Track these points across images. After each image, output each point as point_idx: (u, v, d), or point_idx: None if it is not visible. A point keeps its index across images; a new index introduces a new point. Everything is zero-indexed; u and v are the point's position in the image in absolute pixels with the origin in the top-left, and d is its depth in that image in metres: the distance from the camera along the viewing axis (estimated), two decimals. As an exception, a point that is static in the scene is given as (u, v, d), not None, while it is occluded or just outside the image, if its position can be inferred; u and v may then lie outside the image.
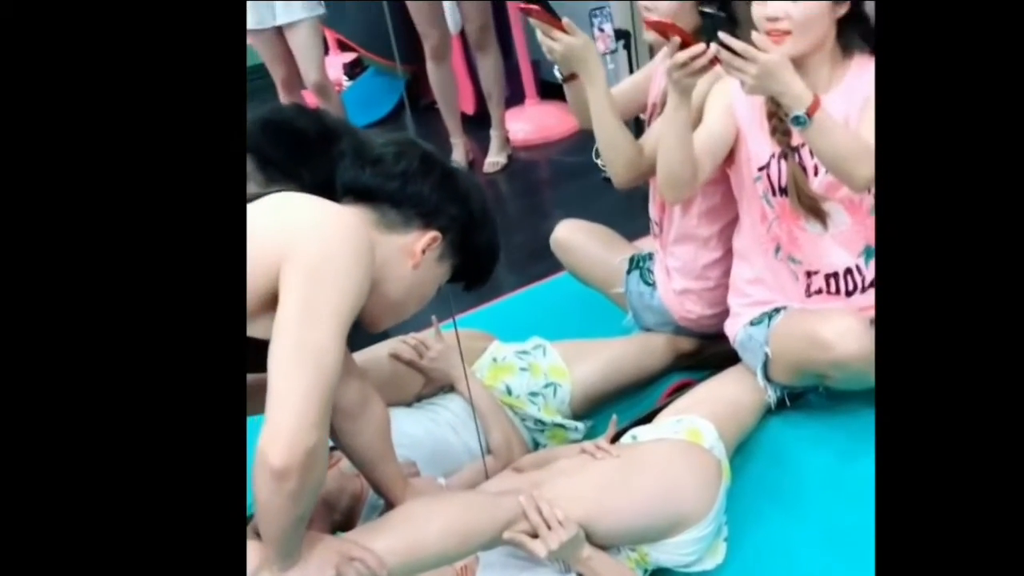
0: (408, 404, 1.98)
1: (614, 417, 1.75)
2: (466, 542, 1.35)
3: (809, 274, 1.83)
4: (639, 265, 2.18)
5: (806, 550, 1.67)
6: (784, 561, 1.66)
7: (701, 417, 1.74)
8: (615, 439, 1.74)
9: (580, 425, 2.00)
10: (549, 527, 1.41)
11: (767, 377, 1.88)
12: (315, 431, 1.11)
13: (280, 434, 1.10)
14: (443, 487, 1.75)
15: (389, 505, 1.69)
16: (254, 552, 1.23)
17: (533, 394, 1.99)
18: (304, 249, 1.15)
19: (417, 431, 1.85)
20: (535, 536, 1.42)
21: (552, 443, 1.98)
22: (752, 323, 1.90)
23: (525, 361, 2.04)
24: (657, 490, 1.50)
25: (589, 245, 2.27)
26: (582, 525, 1.44)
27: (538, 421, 1.96)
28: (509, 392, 1.97)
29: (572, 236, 2.29)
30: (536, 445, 1.97)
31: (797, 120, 1.54)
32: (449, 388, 1.99)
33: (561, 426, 1.98)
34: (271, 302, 1.15)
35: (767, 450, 1.90)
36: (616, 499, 1.48)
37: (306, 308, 1.13)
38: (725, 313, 2.02)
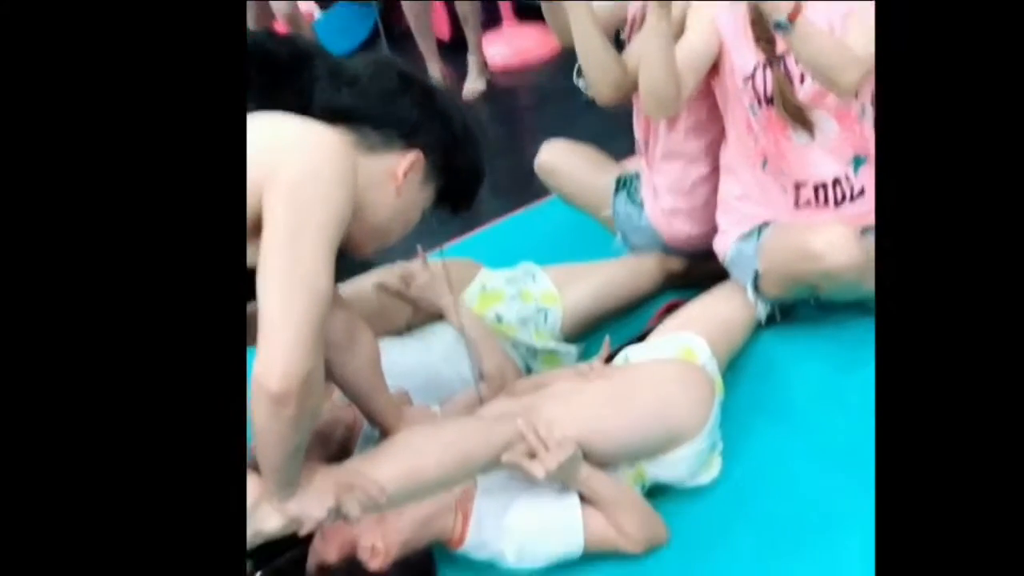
0: (398, 335, 1.97)
1: (607, 338, 1.74)
2: (465, 467, 1.35)
3: (797, 186, 1.81)
4: (626, 186, 2.15)
5: (801, 462, 1.67)
6: (779, 473, 1.67)
7: (693, 335, 1.73)
8: (608, 360, 1.73)
9: (572, 349, 1.99)
10: (547, 448, 1.40)
11: (757, 292, 1.86)
12: (311, 355, 1.10)
13: (276, 360, 1.08)
14: (437, 415, 1.74)
15: (384, 435, 1.69)
16: (253, 485, 1.22)
17: (524, 320, 1.98)
18: (285, 170, 1.11)
19: (408, 361, 1.83)
20: (533, 458, 1.41)
21: (545, 368, 1.97)
22: (741, 238, 1.88)
23: (515, 288, 2.02)
24: (652, 408, 1.50)
25: (574, 167, 2.23)
26: (579, 445, 1.44)
27: (530, 347, 1.95)
28: (499, 320, 1.96)
29: (557, 158, 2.25)
30: (529, 371, 1.97)
31: (778, 25, 1.51)
32: (438, 317, 1.97)
33: (553, 351, 1.97)
34: (255, 227, 1.13)
35: (759, 365, 1.90)
36: (612, 418, 1.48)
37: (292, 231, 1.10)
38: (714, 231, 1.99)
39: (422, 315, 2.00)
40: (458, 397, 1.86)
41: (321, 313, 1.11)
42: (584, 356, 2.00)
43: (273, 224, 1.10)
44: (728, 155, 1.90)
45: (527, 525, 1.47)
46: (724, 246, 1.94)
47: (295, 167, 1.12)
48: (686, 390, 1.55)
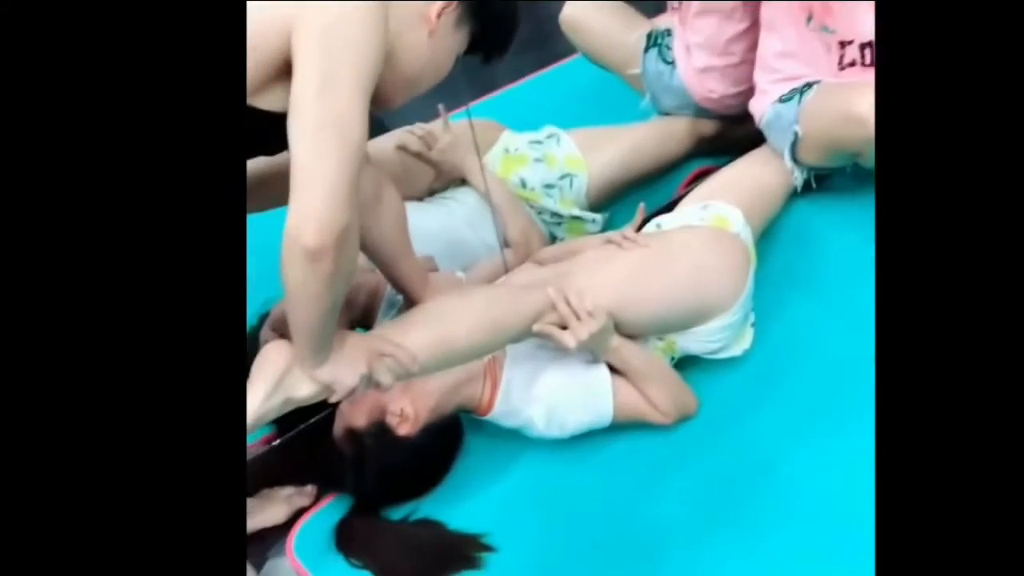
0: (419, 199, 1.91)
1: (641, 205, 1.67)
2: (496, 335, 1.31)
3: (843, 44, 1.69)
4: (657, 42, 2.03)
5: (833, 333, 1.64)
6: (811, 344, 1.64)
7: (727, 203, 1.66)
8: (639, 228, 1.67)
9: (598, 217, 1.93)
10: (578, 318, 1.36)
11: (795, 158, 1.78)
12: (347, 206, 1.04)
13: (312, 212, 1.02)
14: (463, 281, 1.70)
15: (408, 302, 1.65)
16: (281, 352, 1.19)
17: (548, 186, 1.91)
18: (316, 11, 1.03)
19: (431, 225, 1.78)
20: (564, 328, 1.38)
21: (570, 236, 1.92)
22: (781, 100, 1.78)
23: (539, 151, 1.94)
24: (686, 278, 1.45)
25: (601, 22, 2.10)
26: (611, 315, 1.40)
27: (554, 214, 1.89)
28: (523, 185, 1.89)
29: (582, 13, 2.12)
30: (553, 239, 1.91)
31: None
32: (460, 181, 1.91)
33: (578, 218, 1.91)
34: (284, 70, 1.06)
35: (793, 233, 1.84)
36: (645, 288, 1.43)
37: (324, 76, 1.02)
38: (750, 92, 1.89)
39: (444, 179, 1.93)
40: (482, 263, 1.81)
41: (357, 163, 1.05)
42: (610, 224, 1.95)
43: (304, 69, 1.03)
44: (769, 9, 1.78)
45: (556, 393, 1.45)
46: (761, 107, 1.84)
47: (326, 8, 1.03)
48: (721, 260, 1.49)
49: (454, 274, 1.71)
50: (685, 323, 1.49)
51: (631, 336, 1.47)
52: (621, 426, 1.49)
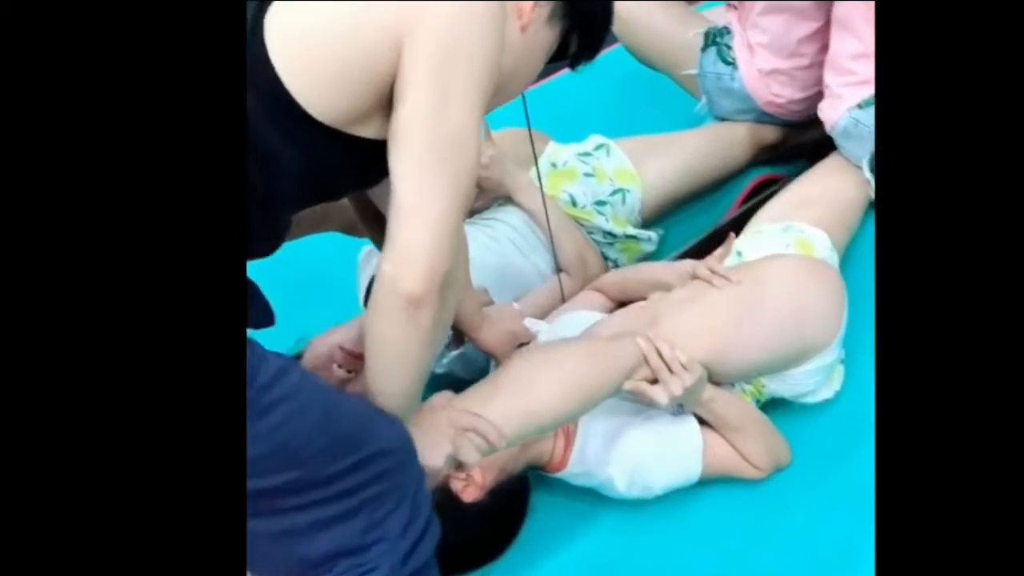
0: (460, 221, 1.74)
1: (731, 235, 1.51)
2: (587, 399, 1.16)
3: (931, 45, 1.54)
4: (716, 41, 1.86)
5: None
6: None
7: (808, 224, 1.50)
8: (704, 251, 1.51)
9: (653, 235, 1.77)
10: (671, 371, 1.21)
11: (875, 169, 1.63)
12: (455, 240, 0.90)
13: (416, 253, 0.87)
14: (520, 316, 1.54)
15: (459, 339, 1.50)
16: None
17: (600, 203, 1.74)
18: (433, 13, 0.86)
19: (477, 249, 1.61)
20: (654, 381, 1.22)
21: (624, 257, 1.76)
22: (859, 106, 1.62)
23: (588, 165, 1.78)
24: (786, 320, 1.29)
25: (653, 16, 1.92)
26: (704, 364, 1.25)
27: (607, 233, 1.73)
28: (573, 203, 1.73)
29: (634, 6, 1.94)
30: (605, 260, 1.75)
31: None
32: (504, 200, 1.74)
33: (633, 237, 1.75)
34: (388, 94, 0.90)
35: (871, 252, 1.68)
36: (742, 334, 1.27)
37: (440, 92, 0.87)
38: (818, 96, 1.74)
39: (487, 197, 1.76)
40: (537, 292, 1.65)
41: (468, 194, 0.91)
42: (665, 242, 1.79)
43: (416, 85, 0.87)
44: (843, 7, 1.62)
45: (641, 453, 1.29)
46: (834, 114, 1.68)
47: (443, 9, 0.87)
48: (820, 296, 1.33)
49: (512, 307, 1.55)
50: (781, 367, 1.33)
51: (718, 383, 1.31)
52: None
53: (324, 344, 1.49)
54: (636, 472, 1.29)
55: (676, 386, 1.20)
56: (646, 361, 1.20)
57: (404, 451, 0.94)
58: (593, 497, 1.36)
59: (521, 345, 1.50)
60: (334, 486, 0.86)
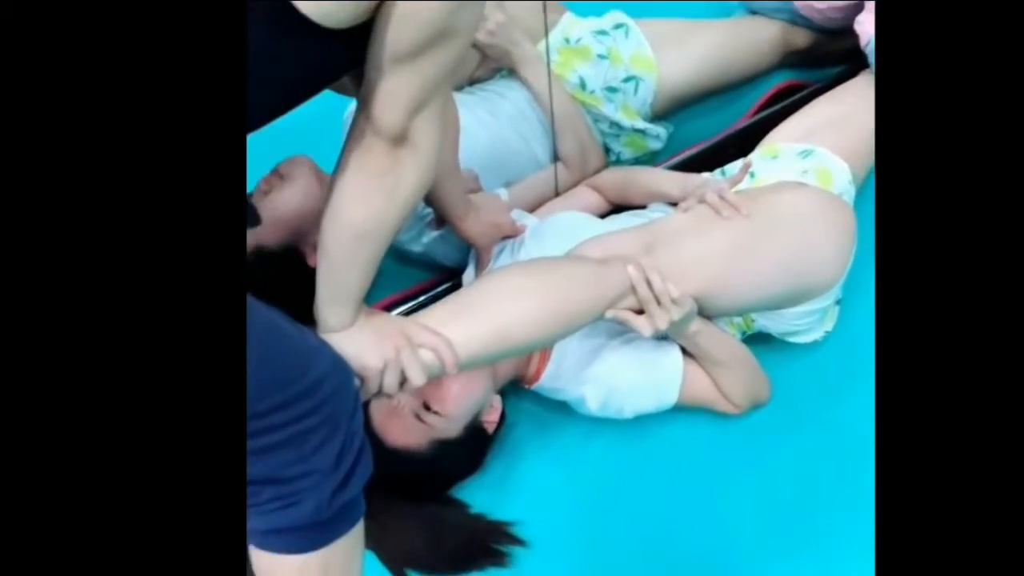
0: (458, 89, 1.61)
1: (749, 160, 1.39)
2: (565, 326, 1.07)
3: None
4: (763, -72, 1.69)
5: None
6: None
7: (832, 152, 1.39)
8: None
9: (662, 132, 1.65)
10: (659, 304, 1.13)
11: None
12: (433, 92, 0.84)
13: (397, 97, 0.82)
14: (506, 207, 1.44)
15: (439, 220, 1.40)
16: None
17: (611, 89, 1.61)
18: None
19: (472, 124, 1.49)
20: (640, 311, 1.14)
21: (628, 151, 1.65)
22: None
23: (604, 45, 1.63)
24: (791, 260, 1.20)
25: None
26: (697, 299, 1.16)
27: (614, 124, 1.61)
28: (583, 86, 1.59)
29: None
30: (606, 152, 1.64)
31: None
32: (508, 72, 1.61)
33: (641, 132, 1.63)
34: None
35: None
36: (742, 272, 1.18)
37: None
38: (857, 7, 1.59)
39: (487, 66, 1.63)
40: (529, 182, 1.54)
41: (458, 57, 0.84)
42: (672, 140, 1.68)
43: None
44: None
45: (618, 376, 1.23)
46: (872, 28, 1.55)
47: None
48: (831, 236, 1.24)
49: (498, 197, 1.45)
50: (777, 306, 1.26)
51: (711, 316, 1.24)
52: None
53: None
54: (610, 394, 1.23)
55: (662, 320, 1.13)
56: (634, 291, 1.12)
57: (338, 375, 0.87)
58: (560, 409, 1.31)
59: (506, 238, 1.42)
60: (262, 421, 0.79)
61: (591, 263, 1.12)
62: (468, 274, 1.44)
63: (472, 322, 1.01)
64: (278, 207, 1.35)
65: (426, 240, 1.49)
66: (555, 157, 1.57)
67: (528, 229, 1.41)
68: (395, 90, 0.82)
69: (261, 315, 0.83)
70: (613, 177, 1.49)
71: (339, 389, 0.87)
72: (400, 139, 0.84)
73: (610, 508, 1.26)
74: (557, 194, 1.53)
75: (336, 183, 0.88)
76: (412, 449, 1.16)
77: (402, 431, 1.16)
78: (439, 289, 1.49)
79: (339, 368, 0.88)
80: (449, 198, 1.33)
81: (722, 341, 1.24)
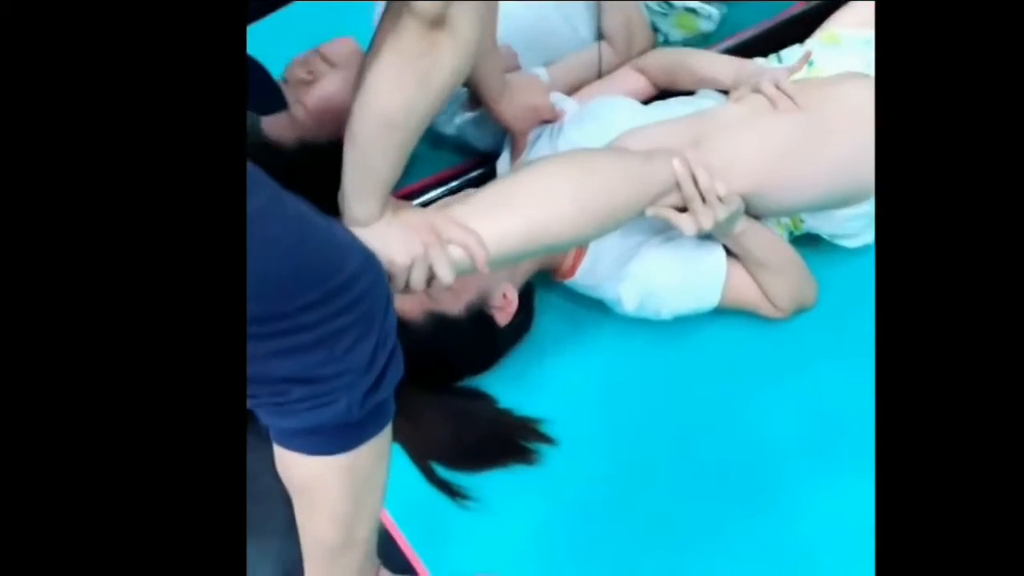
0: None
1: (807, 50, 1.29)
2: (604, 223, 1.00)
3: None
4: None
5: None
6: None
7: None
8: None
9: (714, 12, 1.54)
10: (704, 201, 1.06)
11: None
12: None
13: None
14: (547, 86, 1.36)
15: (474, 100, 1.33)
16: None
17: (661, -39, 1.50)
18: None
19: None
20: (683, 209, 1.07)
21: (677, 32, 1.54)
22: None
23: (654, -89, 1.51)
24: (847, 160, 1.11)
25: None
26: (745, 197, 1.09)
27: (663, 1, 1.50)
28: (631, -43, 1.48)
29: None
30: (655, 30, 1.53)
31: None
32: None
33: (692, 11, 1.52)
34: None
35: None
36: (795, 171, 1.10)
37: None
38: None
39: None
40: (571, 60, 1.45)
41: None
42: (726, 22, 1.57)
43: None
44: None
45: (658, 275, 1.17)
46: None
47: None
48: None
49: (537, 78, 1.37)
50: (828, 206, 1.18)
51: (759, 215, 1.17)
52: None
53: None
54: (649, 294, 1.18)
55: (707, 219, 1.06)
56: (678, 187, 1.05)
57: (373, 271, 0.82)
58: (598, 306, 1.26)
59: (544, 123, 1.34)
60: (293, 320, 0.75)
61: (634, 157, 1.05)
62: (502, 160, 1.37)
63: (505, 217, 0.95)
64: (326, 97, 1.26)
65: (459, 122, 1.42)
66: (599, 35, 1.47)
67: (567, 114, 1.33)
68: None
69: (294, 209, 0.78)
70: (660, 59, 1.40)
71: (374, 286, 0.82)
72: (438, 22, 0.76)
73: (642, 410, 1.22)
74: (600, 76, 1.44)
75: (367, 67, 0.81)
76: (408, 319, 1.11)
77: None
78: (472, 175, 1.43)
79: (372, 264, 0.83)
80: (484, 77, 1.25)
81: (769, 242, 1.17)
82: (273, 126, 1.27)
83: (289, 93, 1.26)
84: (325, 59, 1.29)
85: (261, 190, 0.73)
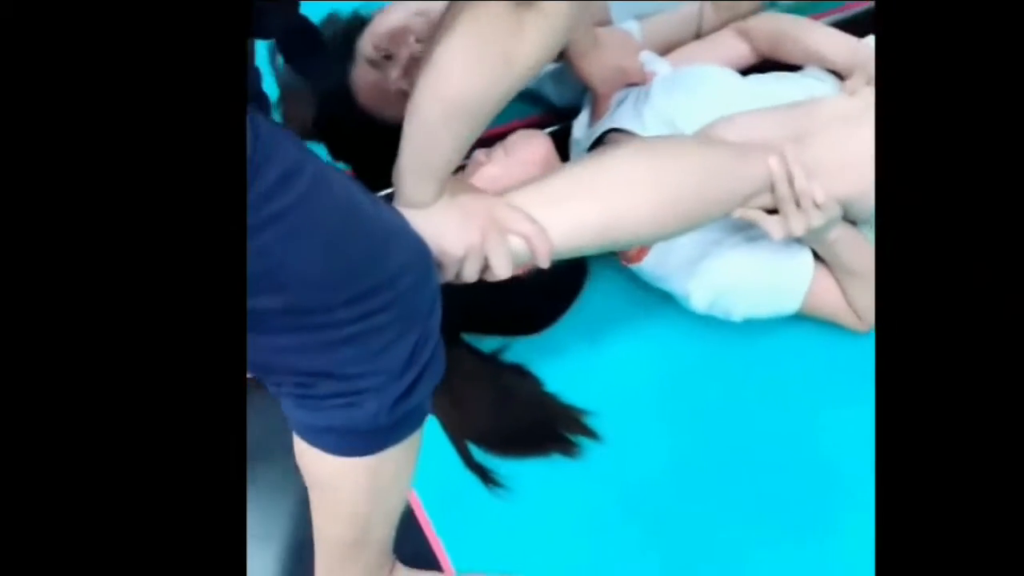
0: None
1: None
2: (686, 222, 0.90)
3: None
4: None
5: None
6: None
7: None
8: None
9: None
10: (799, 205, 0.95)
11: None
12: None
13: None
14: (638, 46, 1.24)
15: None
16: None
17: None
18: None
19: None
20: (774, 211, 0.96)
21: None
22: None
23: None
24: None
25: None
26: (845, 202, 0.98)
27: (780, -43, 1.36)
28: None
29: None
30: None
31: None
32: None
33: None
34: None
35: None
36: None
37: None
38: None
39: None
40: (669, 16, 1.32)
41: None
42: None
43: None
44: None
45: (733, 278, 1.07)
46: None
47: None
48: None
49: (628, 35, 1.24)
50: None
51: (854, 221, 1.05)
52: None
53: (401, 10, 1.22)
54: (722, 295, 1.07)
55: (799, 226, 0.95)
56: (772, 187, 0.94)
57: (420, 266, 0.74)
58: (661, 294, 1.16)
59: (630, 85, 1.22)
60: (325, 315, 0.68)
61: (727, 151, 0.93)
62: (579, 121, 1.26)
63: (577, 209, 0.85)
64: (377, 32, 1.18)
65: (539, 73, 1.31)
66: (703, -10, 1.33)
67: (657, 77, 1.21)
68: None
69: (341, 193, 0.69)
70: (768, 25, 1.26)
71: (419, 282, 0.74)
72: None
73: (696, 415, 1.13)
74: (698, 36, 1.31)
75: (440, 41, 0.71)
76: None
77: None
78: (547, 130, 1.32)
79: (422, 257, 0.75)
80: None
81: (863, 251, 1.06)
82: (370, 99, 1.20)
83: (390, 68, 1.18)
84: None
85: (305, 171, 0.65)
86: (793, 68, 1.23)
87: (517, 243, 0.84)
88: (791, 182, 0.93)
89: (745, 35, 1.28)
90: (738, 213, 0.94)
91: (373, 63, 1.19)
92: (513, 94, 0.74)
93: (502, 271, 0.83)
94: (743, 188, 0.93)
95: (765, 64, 1.27)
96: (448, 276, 0.83)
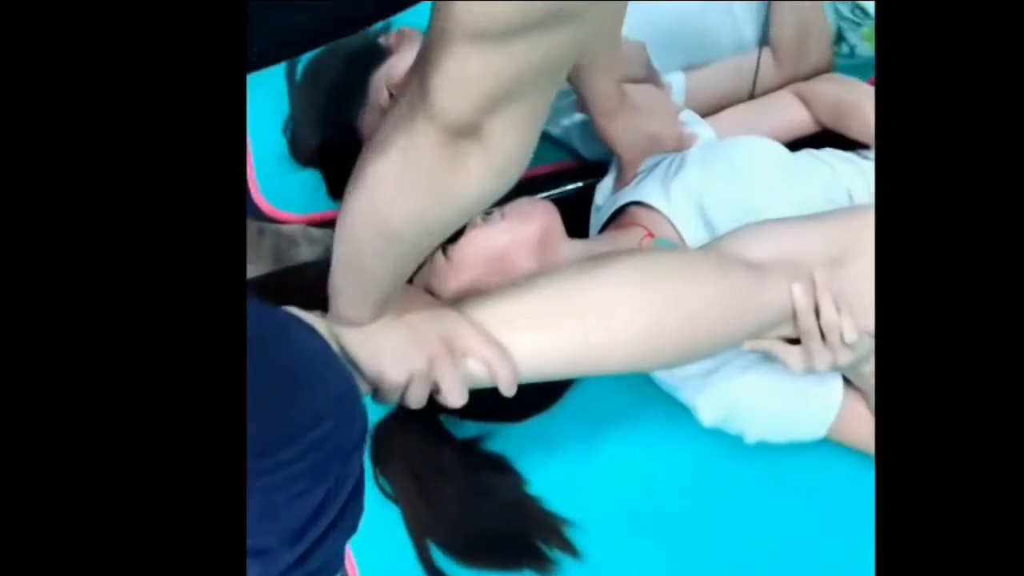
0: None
1: None
2: (683, 353, 0.75)
3: None
4: None
5: None
6: None
7: None
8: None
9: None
10: (824, 339, 0.80)
11: None
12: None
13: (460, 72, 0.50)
14: (675, 108, 1.09)
15: (580, 105, 1.08)
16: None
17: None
18: None
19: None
20: (796, 341, 0.82)
21: (866, 46, 1.22)
22: None
23: None
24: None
25: None
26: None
27: (858, 7, 1.18)
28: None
29: None
30: (840, 40, 1.22)
31: None
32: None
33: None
34: None
35: None
36: None
37: None
38: None
39: None
40: (720, 67, 1.17)
41: None
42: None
43: None
44: None
45: (748, 401, 0.92)
46: None
47: None
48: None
49: (667, 97, 1.09)
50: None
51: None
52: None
53: None
54: (735, 415, 0.93)
55: (823, 362, 0.80)
56: (795, 316, 0.79)
57: (344, 409, 0.62)
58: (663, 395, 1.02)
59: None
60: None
61: (741, 275, 0.78)
62: (604, 184, 1.12)
63: (547, 331, 0.72)
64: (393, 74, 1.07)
65: (567, 123, 1.17)
66: (762, 40, 1.17)
67: (696, 144, 1.06)
68: (466, 75, 0.49)
69: (261, 323, 0.58)
70: (832, 92, 1.10)
71: (340, 425, 0.63)
72: (465, 132, 0.52)
73: (696, 534, 1.00)
74: (752, 95, 1.16)
75: (370, 159, 0.58)
76: None
77: None
78: (568, 188, 1.19)
79: (345, 399, 0.64)
80: (595, 88, 0.99)
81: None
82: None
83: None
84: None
85: None
86: (855, 144, 1.07)
87: (476, 367, 0.71)
88: (817, 314, 0.78)
89: (805, 99, 1.12)
90: (748, 346, 0.80)
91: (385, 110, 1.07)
92: (463, 222, 0.61)
93: (454, 399, 0.71)
94: (756, 319, 0.78)
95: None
96: (388, 402, 0.71)
